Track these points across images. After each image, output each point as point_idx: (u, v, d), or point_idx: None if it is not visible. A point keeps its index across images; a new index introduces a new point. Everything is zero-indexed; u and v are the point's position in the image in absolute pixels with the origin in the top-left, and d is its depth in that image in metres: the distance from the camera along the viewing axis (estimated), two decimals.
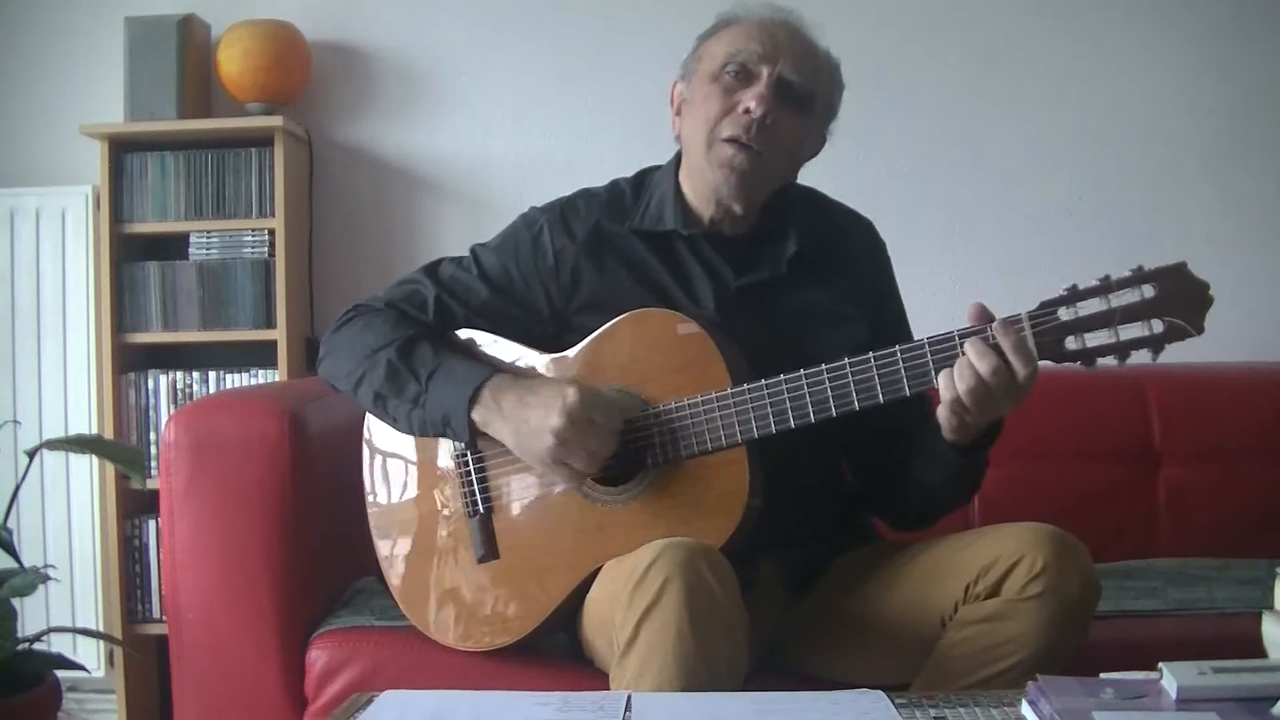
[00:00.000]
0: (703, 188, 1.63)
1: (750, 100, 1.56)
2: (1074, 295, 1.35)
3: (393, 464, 1.72)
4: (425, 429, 1.59)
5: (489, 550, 1.61)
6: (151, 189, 2.63)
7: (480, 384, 1.53)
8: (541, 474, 1.56)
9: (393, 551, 1.71)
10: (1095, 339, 1.35)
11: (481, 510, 1.62)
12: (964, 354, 1.37)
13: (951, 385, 1.38)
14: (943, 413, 1.42)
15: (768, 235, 1.65)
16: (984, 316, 1.38)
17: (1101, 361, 1.36)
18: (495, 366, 1.58)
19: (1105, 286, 1.34)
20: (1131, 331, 1.34)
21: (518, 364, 1.63)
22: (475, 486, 1.61)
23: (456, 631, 1.65)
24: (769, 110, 1.55)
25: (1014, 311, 1.38)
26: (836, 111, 1.68)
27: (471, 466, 1.62)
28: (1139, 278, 1.33)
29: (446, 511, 1.66)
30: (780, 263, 1.62)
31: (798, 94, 1.59)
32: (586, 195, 1.71)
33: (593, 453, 1.48)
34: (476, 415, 1.53)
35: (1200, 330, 1.33)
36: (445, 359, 1.58)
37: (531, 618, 1.59)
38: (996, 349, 1.35)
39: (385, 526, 1.73)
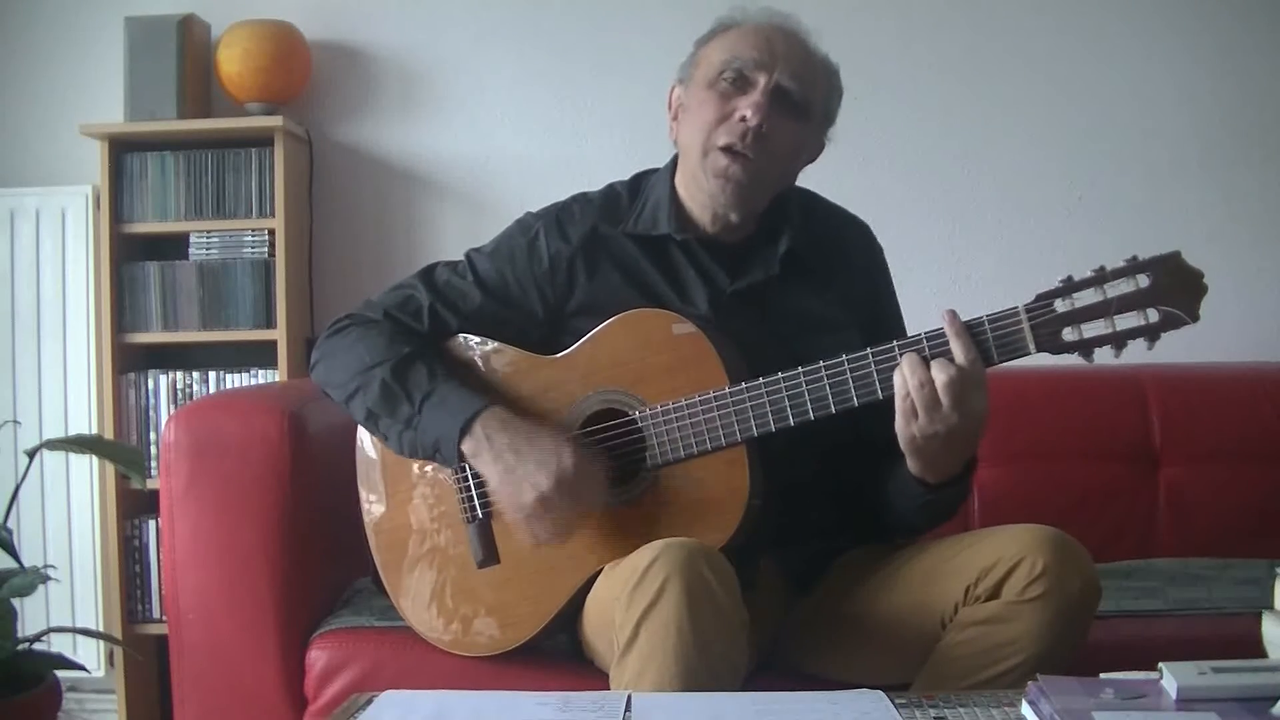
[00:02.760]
0: (699, 195, 1.62)
1: (746, 108, 1.55)
2: (1070, 287, 1.36)
3: (388, 470, 1.71)
4: (415, 451, 1.60)
5: (489, 555, 1.61)
6: (151, 189, 2.63)
7: (473, 416, 1.54)
8: (513, 519, 1.56)
9: (389, 557, 1.71)
10: (1092, 329, 1.35)
11: (481, 515, 1.61)
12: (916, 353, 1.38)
13: (904, 382, 1.38)
14: (897, 424, 1.40)
15: (763, 239, 1.65)
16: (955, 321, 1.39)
17: (1100, 355, 1.36)
18: (490, 397, 1.58)
19: (1100, 277, 1.35)
20: (1128, 321, 1.34)
21: (512, 371, 1.63)
22: (474, 491, 1.61)
23: (456, 637, 1.65)
24: (764, 119, 1.55)
25: (1011, 308, 1.38)
26: (835, 118, 1.67)
27: (470, 472, 1.61)
28: (1134, 268, 1.34)
29: (444, 517, 1.66)
30: (773, 263, 1.62)
31: (794, 101, 1.58)
32: (582, 200, 1.71)
33: (566, 524, 1.51)
34: (466, 446, 1.54)
35: (1196, 318, 1.33)
36: (440, 384, 1.58)
37: (533, 621, 1.59)
38: (944, 345, 1.37)
39: (381, 532, 1.72)
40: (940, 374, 1.36)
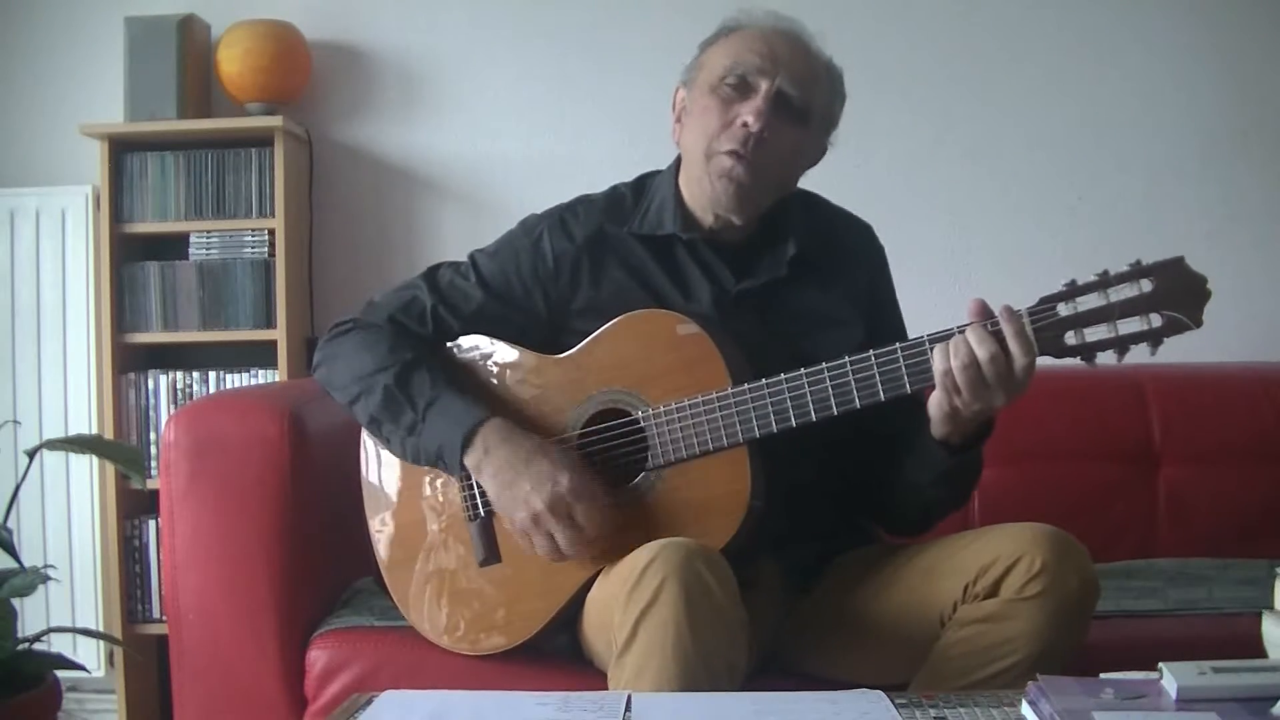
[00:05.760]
0: (701, 197, 1.63)
1: (748, 115, 1.56)
2: (1073, 290, 1.36)
3: (391, 468, 1.71)
4: (418, 457, 1.60)
5: (490, 554, 1.61)
6: (151, 189, 2.63)
7: (476, 426, 1.54)
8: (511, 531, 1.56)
9: (392, 556, 1.71)
10: (1094, 334, 1.35)
11: (483, 513, 1.61)
12: (962, 335, 1.37)
13: (945, 358, 1.37)
14: (936, 396, 1.41)
15: (767, 240, 1.65)
16: (984, 312, 1.39)
17: (1101, 357, 1.36)
18: (494, 407, 1.58)
19: (1104, 281, 1.35)
20: (1130, 326, 1.34)
21: (516, 370, 1.63)
22: (476, 490, 1.61)
23: (458, 636, 1.64)
24: (766, 125, 1.55)
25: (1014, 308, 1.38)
26: (837, 122, 1.68)
27: None
28: (1137, 272, 1.34)
29: (446, 515, 1.66)
30: (780, 265, 1.62)
31: (795, 107, 1.59)
32: (585, 201, 1.72)
33: (561, 545, 1.49)
34: (469, 460, 1.55)
35: (1199, 323, 1.33)
36: (443, 391, 1.59)
37: (535, 620, 1.59)
38: (997, 335, 1.36)
39: (384, 531, 1.72)
40: (984, 352, 1.35)
